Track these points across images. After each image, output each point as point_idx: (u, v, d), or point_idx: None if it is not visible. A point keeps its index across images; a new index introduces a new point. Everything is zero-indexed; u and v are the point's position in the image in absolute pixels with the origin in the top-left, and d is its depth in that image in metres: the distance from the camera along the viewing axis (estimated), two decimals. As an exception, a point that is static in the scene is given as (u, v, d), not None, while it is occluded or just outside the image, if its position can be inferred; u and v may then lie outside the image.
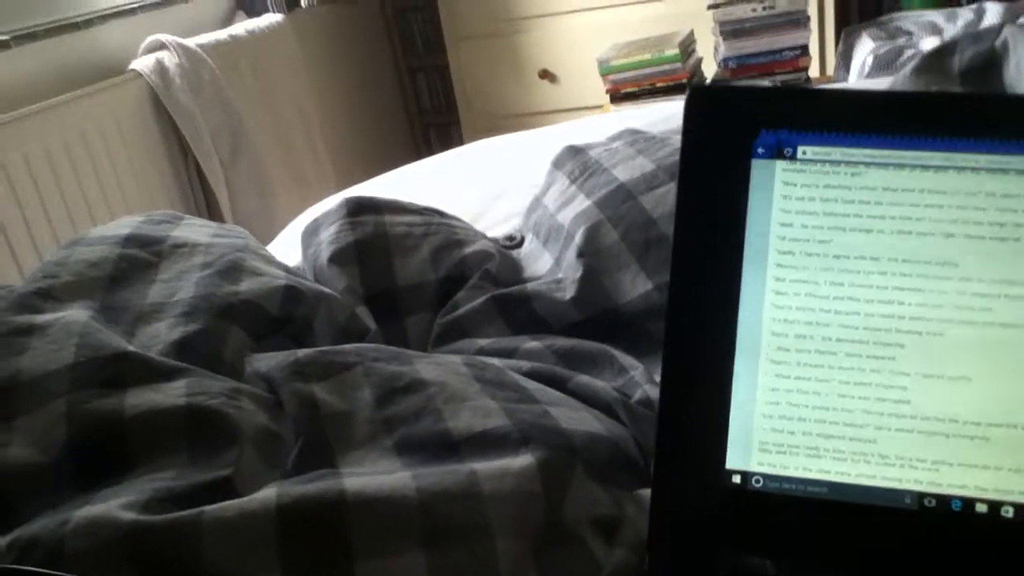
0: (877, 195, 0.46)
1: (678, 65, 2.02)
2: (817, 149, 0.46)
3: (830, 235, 0.46)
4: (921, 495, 0.47)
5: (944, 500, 0.47)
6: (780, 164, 0.46)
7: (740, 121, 0.47)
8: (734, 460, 0.48)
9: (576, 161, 0.91)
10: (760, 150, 0.47)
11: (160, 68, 1.87)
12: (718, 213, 0.47)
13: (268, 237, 1.26)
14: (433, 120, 3.05)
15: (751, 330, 0.48)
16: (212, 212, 1.99)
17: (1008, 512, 0.46)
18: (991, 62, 0.77)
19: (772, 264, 0.47)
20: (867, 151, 0.46)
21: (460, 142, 2.81)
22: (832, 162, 0.46)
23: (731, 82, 1.98)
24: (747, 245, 0.47)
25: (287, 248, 1.11)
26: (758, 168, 0.47)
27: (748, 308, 0.47)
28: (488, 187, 1.20)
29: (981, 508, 0.46)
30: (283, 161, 2.19)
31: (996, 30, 0.81)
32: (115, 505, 0.46)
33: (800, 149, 0.46)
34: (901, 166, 0.45)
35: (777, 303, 0.47)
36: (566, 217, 0.85)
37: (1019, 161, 0.44)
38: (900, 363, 0.46)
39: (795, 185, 0.46)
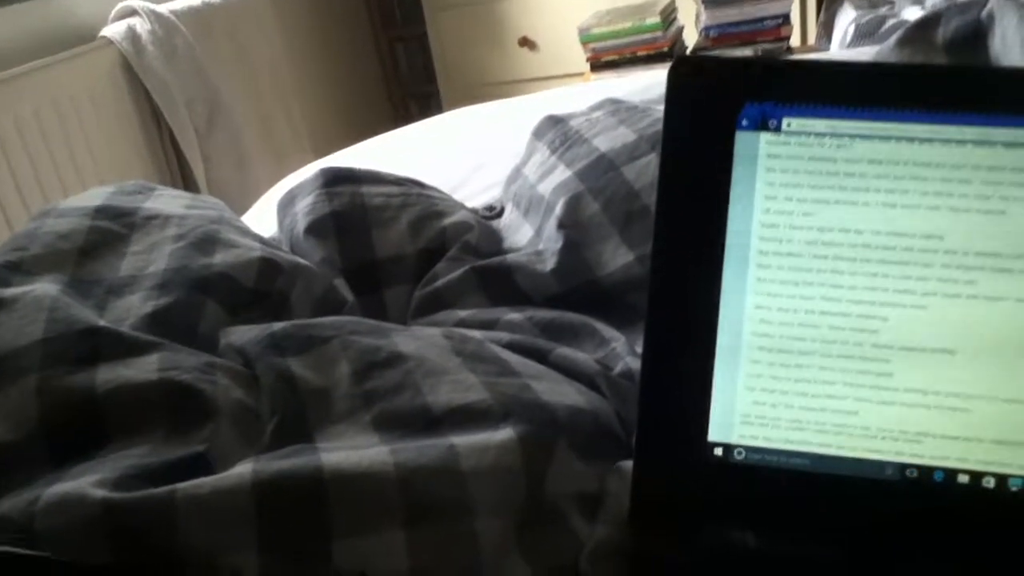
0: (862, 168, 0.45)
1: (659, 34, 2.00)
2: (802, 121, 0.45)
3: (814, 208, 0.46)
4: (903, 466, 0.47)
5: (926, 471, 0.47)
6: (764, 136, 0.46)
7: (724, 92, 0.46)
8: (716, 433, 0.48)
9: (556, 131, 0.90)
10: (744, 122, 0.46)
11: (132, 35, 1.83)
12: (701, 184, 0.47)
13: (244, 208, 1.24)
14: (413, 90, 3.02)
15: (734, 306, 0.47)
16: (187, 183, 1.96)
17: (990, 483, 0.46)
18: (976, 34, 0.76)
19: (756, 237, 0.46)
20: (852, 123, 0.45)
21: (440, 112, 2.78)
22: (817, 134, 0.45)
23: (715, 52, 1.97)
24: (731, 217, 0.46)
25: (262, 219, 1.10)
26: (742, 140, 0.46)
27: (730, 281, 0.47)
28: (468, 157, 1.18)
29: (963, 479, 0.46)
30: (260, 132, 2.16)
31: (982, 1, 0.80)
32: (86, 482, 0.45)
33: (785, 121, 0.45)
34: (887, 138, 0.45)
35: (760, 276, 0.47)
36: (547, 188, 0.84)
37: (1005, 134, 0.44)
38: (883, 336, 0.46)
39: (779, 157, 0.46)
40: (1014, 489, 0.46)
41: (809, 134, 0.45)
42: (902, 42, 0.77)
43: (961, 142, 0.44)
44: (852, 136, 0.45)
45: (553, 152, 0.87)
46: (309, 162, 2.14)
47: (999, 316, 0.45)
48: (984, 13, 0.78)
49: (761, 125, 0.46)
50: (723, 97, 0.46)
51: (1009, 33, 0.74)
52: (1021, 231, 0.44)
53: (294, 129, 2.33)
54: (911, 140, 0.44)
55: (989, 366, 0.45)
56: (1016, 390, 0.45)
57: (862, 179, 0.45)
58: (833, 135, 0.45)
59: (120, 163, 1.79)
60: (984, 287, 0.45)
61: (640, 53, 2.02)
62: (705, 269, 0.47)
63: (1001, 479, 0.46)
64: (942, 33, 0.77)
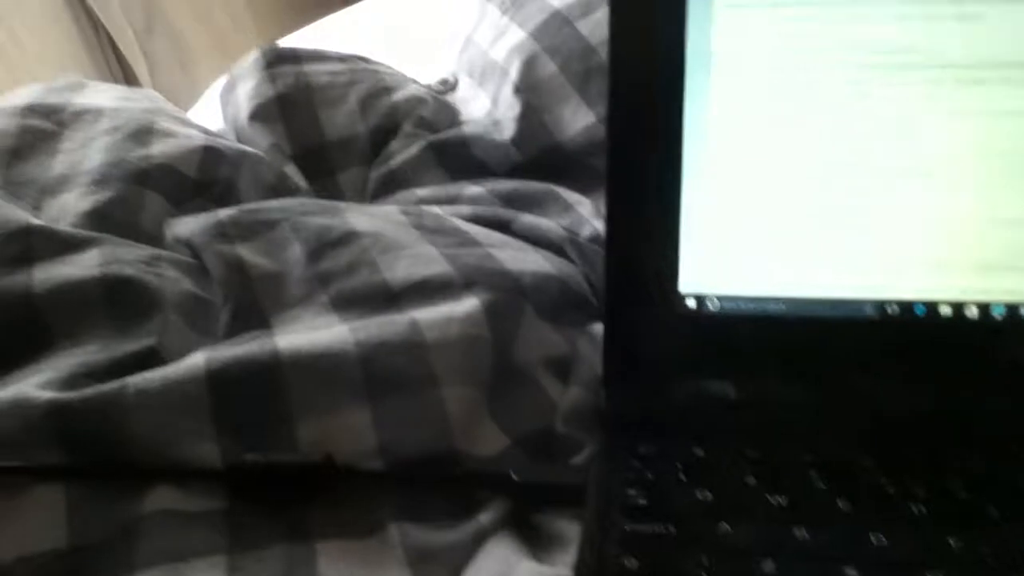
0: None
1: None
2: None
3: (781, 23, 0.42)
4: (883, 303, 0.45)
5: (906, 305, 0.45)
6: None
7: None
8: (688, 284, 0.46)
9: (506, -10, 0.85)
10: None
11: (53, -70, 1.71)
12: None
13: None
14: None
15: (699, 144, 0.44)
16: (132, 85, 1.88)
17: (972, 312, 0.44)
18: None
19: (716, 56, 0.43)
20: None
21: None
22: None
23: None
24: (689, 38, 0.43)
25: (208, 115, 1.04)
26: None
27: (693, 117, 0.44)
28: (422, 36, 1.13)
29: (945, 311, 0.45)
30: (202, 28, 2.06)
31: None
32: (29, 384, 0.43)
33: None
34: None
35: (723, 108, 0.44)
36: (500, 51, 0.79)
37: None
38: (858, 161, 0.43)
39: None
40: (997, 317, 0.44)
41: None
42: None
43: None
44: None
45: (504, 12, 0.82)
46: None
47: (977, 132, 0.42)
48: None
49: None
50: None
51: None
52: (998, 37, 0.41)
53: (237, 22, 2.22)
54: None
55: (968, 187, 0.43)
56: (996, 210, 0.43)
57: (830, -4, 0.42)
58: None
59: (60, 72, 1.70)
60: (961, 102, 0.42)
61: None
62: (666, 99, 0.44)
63: (984, 307, 0.44)
64: None
